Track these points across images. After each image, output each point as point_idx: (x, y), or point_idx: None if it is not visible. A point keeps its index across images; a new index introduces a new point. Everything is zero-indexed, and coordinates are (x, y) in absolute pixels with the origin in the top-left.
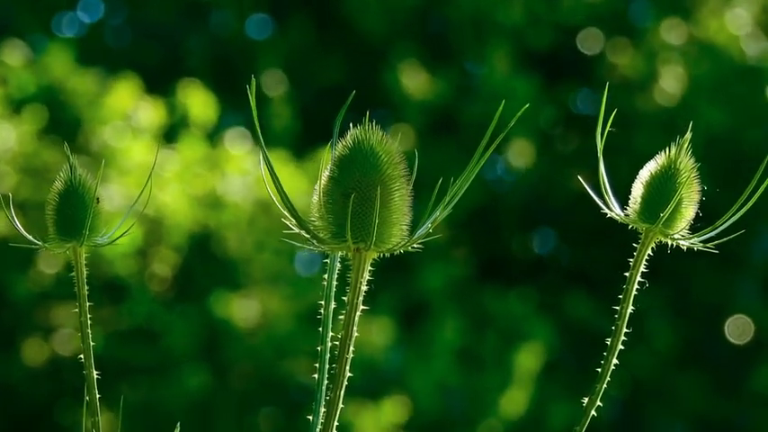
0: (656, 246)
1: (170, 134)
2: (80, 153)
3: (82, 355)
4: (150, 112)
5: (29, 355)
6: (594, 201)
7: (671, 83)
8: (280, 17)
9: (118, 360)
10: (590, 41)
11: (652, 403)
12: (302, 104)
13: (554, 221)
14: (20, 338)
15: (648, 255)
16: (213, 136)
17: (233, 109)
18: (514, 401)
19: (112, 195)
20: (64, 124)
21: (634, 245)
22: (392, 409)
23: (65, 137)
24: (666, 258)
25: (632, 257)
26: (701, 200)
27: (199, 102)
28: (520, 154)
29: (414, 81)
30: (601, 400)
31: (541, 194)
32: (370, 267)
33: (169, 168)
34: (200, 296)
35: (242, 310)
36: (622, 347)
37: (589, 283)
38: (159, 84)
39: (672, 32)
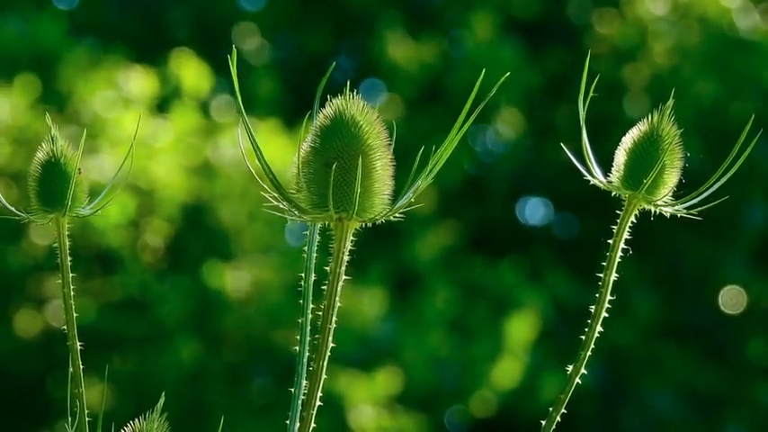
0: (647, 218)
1: (162, 104)
2: (71, 124)
3: (65, 326)
4: (142, 83)
5: (21, 326)
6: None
7: (661, 53)
8: None
9: (110, 331)
10: (578, 10)
11: (642, 376)
12: (292, 75)
13: (545, 191)
14: (12, 310)
15: (632, 223)
16: (206, 106)
17: (224, 79)
18: (507, 372)
19: (104, 166)
20: (56, 95)
21: (618, 212)
22: (385, 381)
23: (57, 108)
24: (655, 230)
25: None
26: (689, 170)
27: (191, 72)
28: (509, 123)
29: (401, 50)
30: (589, 370)
31: (531, 164)
32: (355, 238)
33: (162, 139)
34: (192, 267)
35: (234, 280)
36: (606, 315)
37: (580, 253)
38: (151, 54)
39: (661, 3)
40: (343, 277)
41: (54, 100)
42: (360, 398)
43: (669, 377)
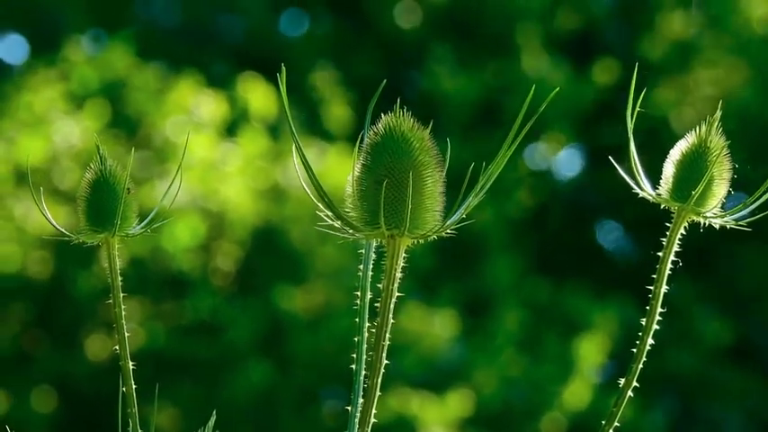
0: (707, 239)
1: (231, 128)
2: (142, 148)
3: (117, 346)
4: (211, 107)
5: (92, 350)
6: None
7: (701, 64)
8: (315, 15)
9: (181, 355)
10: (621, 30)
11: (709, 399)
12: (363, 99)
13: (613, 212)
14: (83, 334)
15: (681, 235)
16: (274, 129)
17: (292, 102)
18: (576, 393)
19: (174, 190)
20: (126, 120)
21: (669, 229)
22: (456, 403)
23: (127, 132)
24: (715, 251)
25: (683, 245)
26: (735, 178)
27: (259, 95)
28: (566, 144)
29: (452, 77)
30: (656, 396)
31: (593, 187)
32: (407, 256)
33: (231, 163)
34: (262, 290)
35: (305, 303)
36: (657, 328)
37: (648, 274)
38: (219, 78)
39: (699, 20)
40: (396, 294)
41: (124, 124)
42: (431, 420)
43: (736, 399)
